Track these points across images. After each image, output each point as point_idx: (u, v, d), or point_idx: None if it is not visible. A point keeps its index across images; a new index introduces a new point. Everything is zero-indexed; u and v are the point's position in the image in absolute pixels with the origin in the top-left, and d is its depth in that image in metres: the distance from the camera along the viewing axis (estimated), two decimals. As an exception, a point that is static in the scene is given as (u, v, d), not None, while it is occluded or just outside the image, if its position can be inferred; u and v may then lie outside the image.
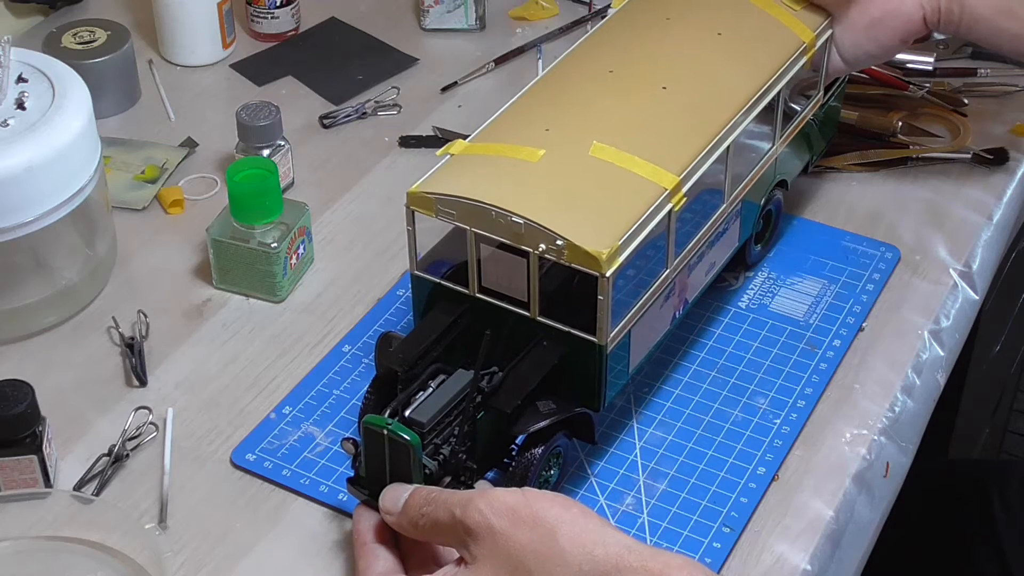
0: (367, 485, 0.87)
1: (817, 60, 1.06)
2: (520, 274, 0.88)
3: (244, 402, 1.01)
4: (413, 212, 0.91)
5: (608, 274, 0.84)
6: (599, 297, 0.85)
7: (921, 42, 1.35)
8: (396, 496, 0.83)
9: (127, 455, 0.96)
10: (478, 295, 0.91)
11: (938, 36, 1.37)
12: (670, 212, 0.89)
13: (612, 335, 0.88)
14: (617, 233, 0.85)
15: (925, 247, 1.13)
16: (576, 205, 0.87)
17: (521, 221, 0.86)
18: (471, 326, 0.91)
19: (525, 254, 0.87)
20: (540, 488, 0.89)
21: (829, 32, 1.06)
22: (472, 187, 0.88)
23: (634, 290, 0.90)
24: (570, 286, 0.88)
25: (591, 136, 0.91)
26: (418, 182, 0.90)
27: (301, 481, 0.94)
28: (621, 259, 0.85)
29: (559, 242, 0.85)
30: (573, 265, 0.85)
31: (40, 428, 0.92)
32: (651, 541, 0.90)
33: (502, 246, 0.87)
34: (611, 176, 0.89)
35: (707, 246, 0.97)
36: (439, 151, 0.93)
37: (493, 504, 0.77)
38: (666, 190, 0.89)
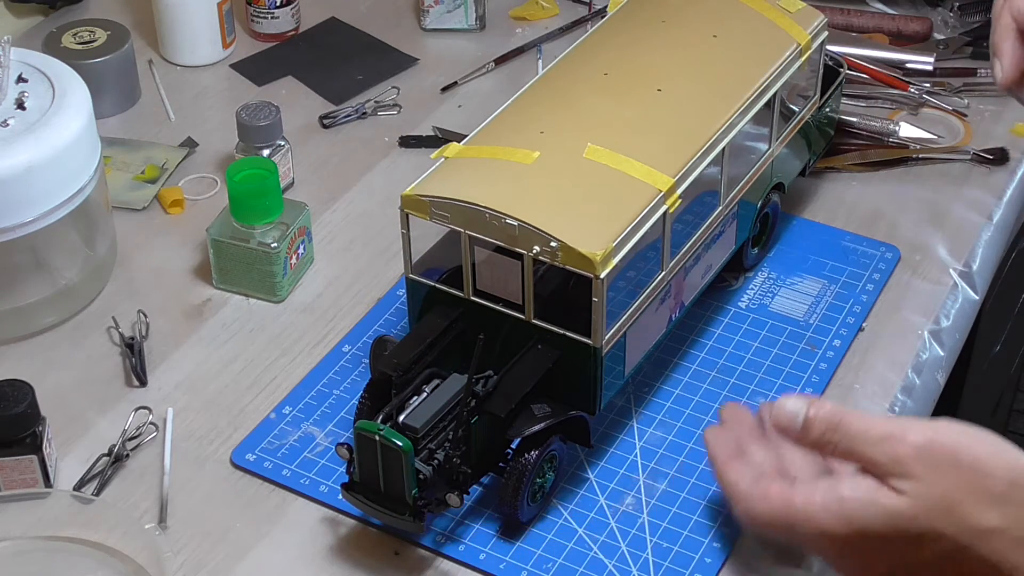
0: (361, 491, 0.87)
1: (813, 62, 1.06)
2: (515, 277, 0.88)
3: (244, 402, 1.01)
4: (407, 215, 0.91)
5: (602, 276, 0.84)
6: (594, 299, 0.85)
7: (921, 42, 1.36)
8: (792, 413, 0.77)
9: (127, 455, 0.96)
10: (473, 298, 0.91)
11: (938, 36, 1.37)
12: (665, 214, 0.89)
13: (607, 338, 0.88)
14: (611, 235, 0.85)
15: (925, 247, 1.13)
16: (570, 207, 0.87)
17: (515, 223, 0.86)
18: (466, 330, 0.91)
19: (519, 256, 0.86)
20: (532, 495, 0.89)
21: (824, 35, 1.05)
22: (466, 189, 0.88)
23: (629, 292, 0.90)
24: (565, 289, 0.88)
25: (586, 138, 0.91)
26: (412, 185, 0.90)
27: (301, 481, 0.94)
28: (615, 261, 0.85)
29: (553, 244, 0.85)
30: (567, 267, 0.85)
31: (40, 428, 0.92)
32: (651, 541, 0.90)
33: (497, 249, 0.87)
34: (606, 178, 0.89)
35: (703, 248, 0.97)
36: (434, 154, 0.93)
37: (920, 452, 0.73)
38: (661, 192, 0.89)
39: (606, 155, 0.90)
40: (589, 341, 0.88)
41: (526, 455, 0.87)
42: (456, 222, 0.88)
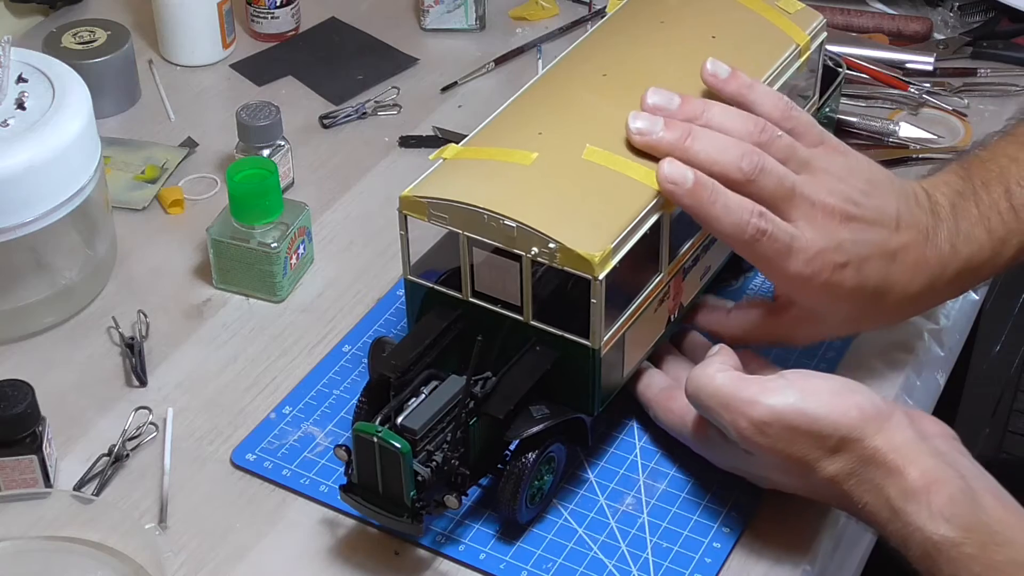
0: (360, 492, 0.87)
1: (812, 62, 1.05)
2: (513, 278, 0.88)
3: (244, 402, 1.01)
4: (406, 216, 0.91)
5: (601, 277, 0.84)
6: (592, 300, 0.85)
7: (921, 42, 1.36)
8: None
9: (127, 455, 0.96)
10: (471, 299, 0.91)
11: (938, 36, 1.37)
12: (663, 215, 0.89)
13: (606, 339, 0.88)
14: (610, 236, 0.85)
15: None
16: (569, 208, 0.87)
17: (513, 225, 0.86)
18: (465, 331, 0.91)
19: (518, 258, 0.86)
20: (531, 497, 0.89)
21: (824, 35, 1.05)
22: (464, 191, 0.88)
23: (628, 293, 0.90)
24: (563, 290, 0.88)
25: (584, 139, 0.91)
26: (410, 186, 0.90)
27: (301, 481, 0.94)
28: (614, 262, 0.85)
29: (551, 245, 0.85)
30: (566, 268, 0.85)
31: (40, 428, 0.92)
32: (651, 541, 0.90)
33: (495, 250, 0.87)
34: (604, 179, 0.89)
35: (702, 250, 0.97)
36: (432, 155, 0.93)
37: (759, 426, 0.84)
38: (659, 193, 0.89)
39: (605, 156, 0.90)
40: (587, 343, 0.88)
41: (524, 457, 0.87)
42: (454, 223, 0.88)
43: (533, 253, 0.86)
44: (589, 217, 0.87)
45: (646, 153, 0.90)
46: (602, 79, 0.97)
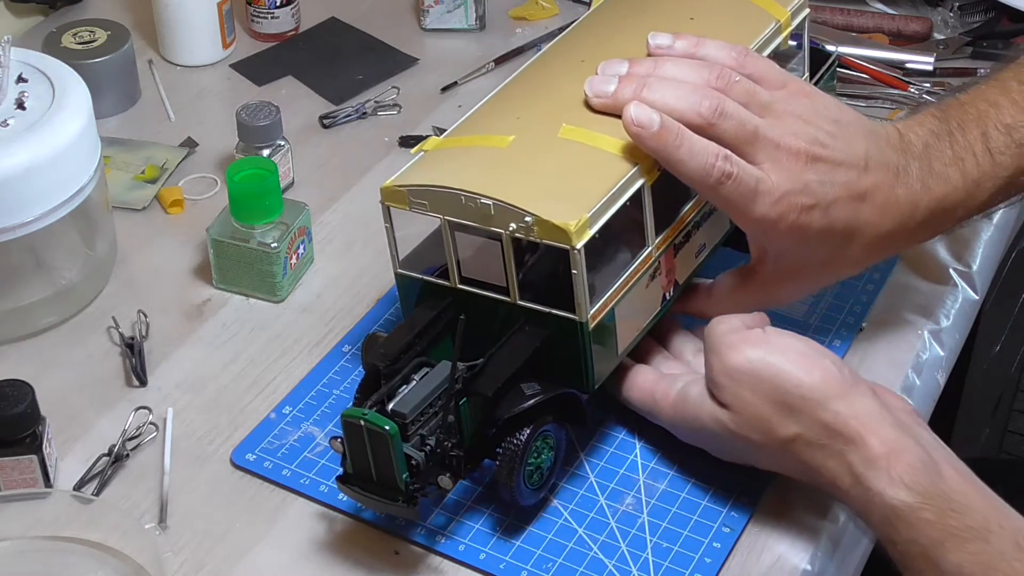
0: (355, 481, 0.87)
1: (797, 39, 1.05)
2: (497, 260, 0.88)
3: (244, 402, 1.01)
4: (389, 208, 0.91)
5: (579, 246, 0.84)
6: (573, 271, 0.85)
7: (921, 42, 1.36)
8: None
9: (127, 455, 0.96)
10: (460, 286, 0.91)
11: (938, 36, 1.37)
12: (643, 186, 0.89)
13: (593, 312, 0.87)
14: (586, 206, 0.85)
15: (925, 247, 1.13)
16: (546, 184, 0.87)
17: (489, 202, 0.85)
18: (455, 319, 0.91)
19: (498, 236, 0.86)
20: (529, 476, 0.89)
21: (806, 11, 1.05)
22: (442, 176, 0.88)
23: (615, 268, 0.89)
24: (547, 267, 0.88)
25: (561, 120, 0.91)
26: (391, 178, 0.90)
27: (301, 481, 0.94)
28: (592, 231, 0.85)
29: (528, 219, 0.85)
30: (544, 241, 0.85)
31: (40, 428, 0.92)
32: (651, 541, 0.90)
33: (476, 232, 0.87)
34: (581, 155, 0.89)
35: (693, 226, 0.96)
36: (413, 149, 0.94)
37: (733, 373, 0.87)
38: (638, 164, 0.89)
39: (581, 133, 0.90)
40: (574, 316, 0.87)
41: (518, 434, 0.87)
42: (434, 209, 0.88)
43: (511, 229, 0.86)
44: (566, 191, 0.87)
45: (623, 130, 0.90)
46: (580, 65, 0.97)
